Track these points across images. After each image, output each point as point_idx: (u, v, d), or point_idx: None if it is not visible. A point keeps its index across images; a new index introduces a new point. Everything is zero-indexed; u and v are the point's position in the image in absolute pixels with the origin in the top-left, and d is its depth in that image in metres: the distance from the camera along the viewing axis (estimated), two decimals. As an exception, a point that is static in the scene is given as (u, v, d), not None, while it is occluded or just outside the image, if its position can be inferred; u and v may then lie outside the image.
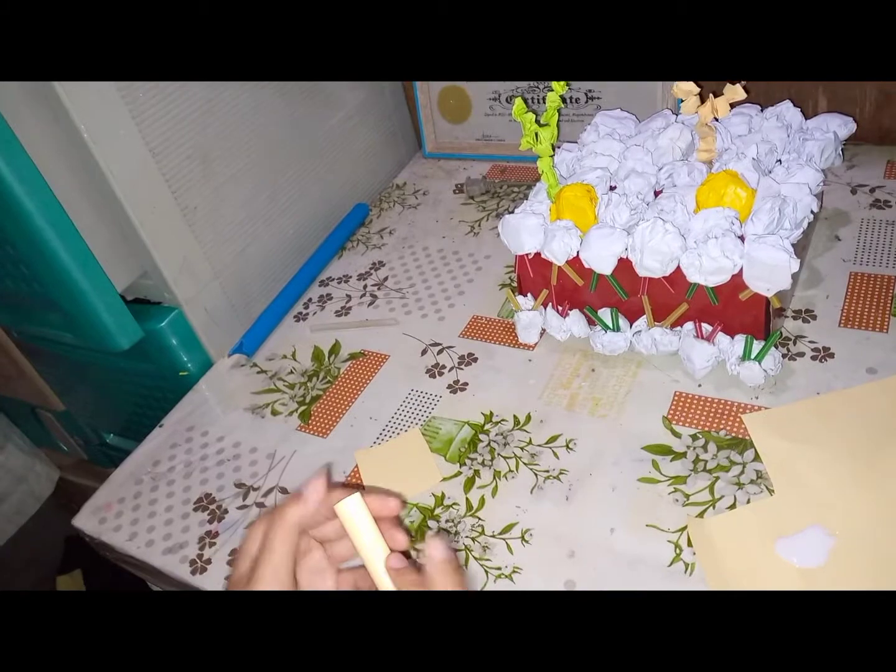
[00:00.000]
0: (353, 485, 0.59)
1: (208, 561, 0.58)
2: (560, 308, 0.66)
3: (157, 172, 0.68)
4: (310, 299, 0.83)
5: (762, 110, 0.69)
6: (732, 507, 0.51)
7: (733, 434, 0.56)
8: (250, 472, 0.64)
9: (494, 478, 0.57)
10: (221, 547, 0.58)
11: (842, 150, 0.66)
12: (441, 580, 0.35)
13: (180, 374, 0.75)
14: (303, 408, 0.69)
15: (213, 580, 0.56)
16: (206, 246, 0.75)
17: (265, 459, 0.65)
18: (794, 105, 0.68)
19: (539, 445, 0.59)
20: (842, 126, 0.66)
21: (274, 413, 0.69)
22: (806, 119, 0.68)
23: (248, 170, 0.79)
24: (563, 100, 0.80)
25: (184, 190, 0.71)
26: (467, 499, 0.57)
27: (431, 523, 0.56)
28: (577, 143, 0.73)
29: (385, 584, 0.35)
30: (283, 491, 0.62)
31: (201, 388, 0.75)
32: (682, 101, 0.62)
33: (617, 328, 0.63)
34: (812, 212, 0.59)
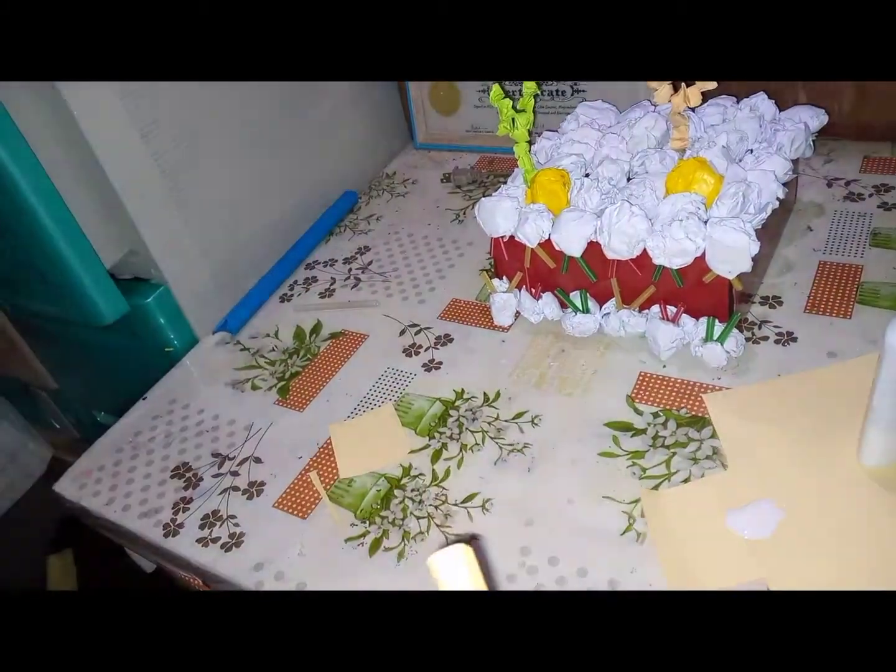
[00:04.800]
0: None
1: (181, 525, 0.59)
2: (533, 290, 0.68)
3: (145, 151, 0.70)
4: (295, 281, 0.85)
5: (738, 102, 0.70)
6: (687, 480, 0.52)
7: (693, 412, 0.57)
8: (227, 442, 0.66)
9: (461, 450, 0.59)
10: (194, 512, 0.60)
11: (813, 141, 0.68)
12: None
13: (165, 350, 0.77)
14: (282, 383, 0.71)
15: (184, 543, 0.58)
16: (193, 225, 0.77)
17: (242, 431, 0.67)
18: (771, 98, 0.69)
19: (506, 421, 0.60)
20: (813, 118, 0.67)
21: (254, 388, 0.71)
22: (782, 111, 0.69)
23: (237, 152, 0.81)
24: (540, 87, 0.82)
25: (172, 169, 0.73)
26: (433, 470, 0.58)
27: (398, 492, 0.57)
28: (557, 131, 0.75)
29: None
30: (258, 461, 0.63)
31: (185, 363, 0.77)
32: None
33: (587, 310, 0.65)
34: (778, 198, 0.61)
